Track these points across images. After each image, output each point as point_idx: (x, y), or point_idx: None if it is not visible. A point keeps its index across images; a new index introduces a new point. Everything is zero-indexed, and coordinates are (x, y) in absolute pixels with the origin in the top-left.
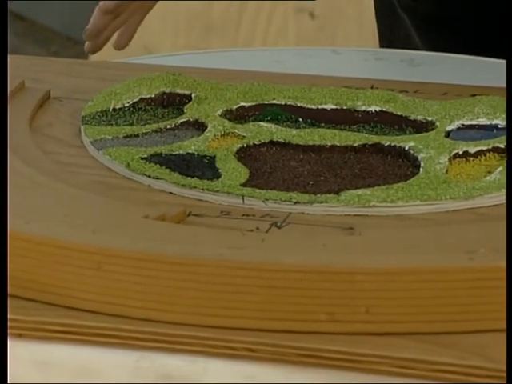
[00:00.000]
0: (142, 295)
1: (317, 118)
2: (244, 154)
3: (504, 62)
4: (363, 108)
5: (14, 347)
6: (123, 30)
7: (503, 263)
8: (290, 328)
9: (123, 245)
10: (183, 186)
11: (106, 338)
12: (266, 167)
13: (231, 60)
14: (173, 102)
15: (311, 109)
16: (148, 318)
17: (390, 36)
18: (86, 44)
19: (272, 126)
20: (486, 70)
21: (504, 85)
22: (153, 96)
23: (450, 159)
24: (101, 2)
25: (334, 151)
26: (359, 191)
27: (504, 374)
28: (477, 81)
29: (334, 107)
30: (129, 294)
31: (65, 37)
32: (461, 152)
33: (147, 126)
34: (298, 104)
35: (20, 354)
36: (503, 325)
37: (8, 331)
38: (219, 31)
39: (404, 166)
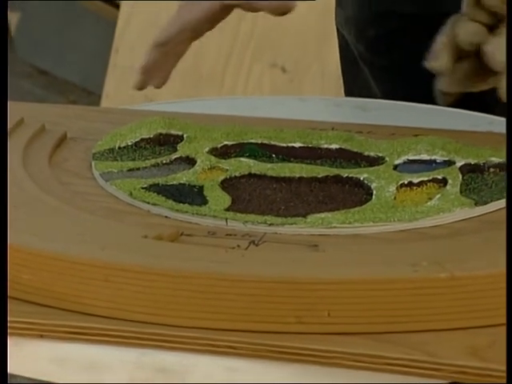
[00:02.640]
0: (142, 302)
1: (287, 154)
2: (227, 184)
3: (441, 107)
4: (325, 146)
5: (36, 346)
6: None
7: (442, 274)
8: (265, 329)
9: (126, 260)
10: (177, 210)
11: (113, 338)
12: (246, 195)
13: (217, 106)
14: (168, 141)
15: (282, 147)
16: (147, 321)
17: (353, 85)
18: (138, 80)
19: (250, 161)
20: (426, 114)
21: (441, 127)
22: (151, 136)
23: (397, 188)
24: (154, 38)
25: (301, 182)
26: (322, 215)
27: (441, 367)
28: (418, 123)
29: (301, 145)
30: (131, 301)
31: (81, 88)
32: (406, 182)
33: (147, 161)
34: (272, 143)
35: (41, 352)
36: (442, 325)
37: (8, 332)
38: (207, 83)
39: (359, 193)
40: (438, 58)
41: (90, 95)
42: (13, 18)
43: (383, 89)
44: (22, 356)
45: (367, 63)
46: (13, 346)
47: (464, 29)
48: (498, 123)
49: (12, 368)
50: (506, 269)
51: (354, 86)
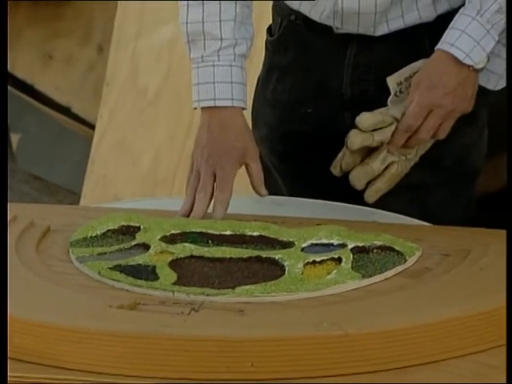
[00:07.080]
0: (108, 358)
1: (220, 240)
2: (174, 264)
3: (338, 203)
4: (249, 233)
5: None
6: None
7: (338, 332)
8: (203, 377)
9: (95, 326)
10: (135, 285)
11: None
12: (188, 272)
13: (167, 204)
14: (128, 231)
15: (216, 234)
16: (112, 373)
17: (269, 186)
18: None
19: (192, 246)
20: (325, 209)
21: (336, 218)
22: (116, 228)
23: (304, 265)
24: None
25: (231, 261)
26: (247, 287)
27: None
28: (319, 216)
29: (230, 233)
30: (100, 357)
31: (66, 190)
32: (311, 261)
33: (112, 247)
34: (208, 231)
35: None
36: (340, 372)
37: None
38: (161, 186)
39: (275, 270)
40: (334, 169)
41: (73, 195)
42: (14, 137)
43: (290, 190)
44: None
45: (278, 171)
46: None
47: (345, 160)
48: (378, 214)
49: None
50: (507, 279)
51: (268, 188)
